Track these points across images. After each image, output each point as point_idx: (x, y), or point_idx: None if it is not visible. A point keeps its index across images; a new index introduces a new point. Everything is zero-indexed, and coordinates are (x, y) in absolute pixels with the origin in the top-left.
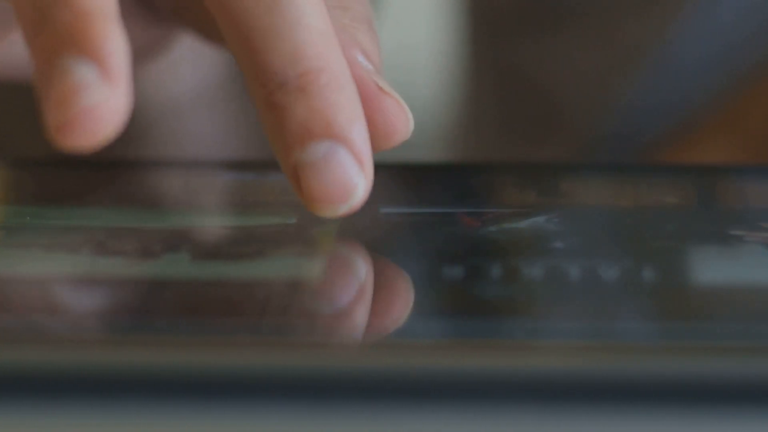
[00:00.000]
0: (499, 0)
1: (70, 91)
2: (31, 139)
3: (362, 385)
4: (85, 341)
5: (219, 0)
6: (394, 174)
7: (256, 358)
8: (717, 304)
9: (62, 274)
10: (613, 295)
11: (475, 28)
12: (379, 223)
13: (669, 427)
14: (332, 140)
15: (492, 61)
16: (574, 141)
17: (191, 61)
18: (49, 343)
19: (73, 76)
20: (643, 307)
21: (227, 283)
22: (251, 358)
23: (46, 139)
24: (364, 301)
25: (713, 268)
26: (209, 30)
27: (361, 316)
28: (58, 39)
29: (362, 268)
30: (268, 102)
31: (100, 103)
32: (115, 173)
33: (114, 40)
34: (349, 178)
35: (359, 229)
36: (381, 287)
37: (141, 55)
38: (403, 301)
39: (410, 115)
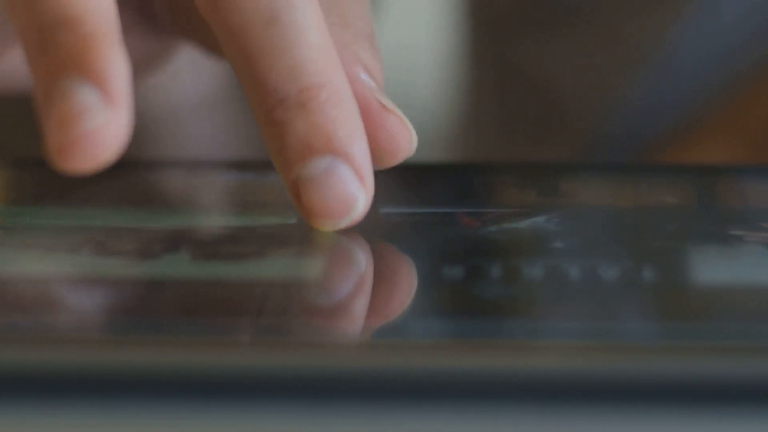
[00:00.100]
0: (500, 0)
1: (72, 114)
2: (31, 139)
3: (362, 385)
4: (85, 341)
5: (218, 14)
6: (394, 174)
7: (256, 358)
8: (717, 304)
9: (62, 274)
10: (613, 295)
11: (475, 28)
12: (379, 223)
13: (669, 427)
14: (333, 155)
15: (492, 61)
16: (575, 141)
17: (191, 71)
18: (49, 343)
19: (74, 99)
20: (643, 307)
21: (227, 283)
22: (251, 358)
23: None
24: (364, 301)
25: (713, 268)
26: (210, 41)
27: (360, 316)
28: (60, 61)
29: (362, 268)
30: (268, 118)
31: (101, 126)
32: (115, 173)
33: (116, 64)
34: (350, 193)
35: (359, 229)
36: (381, 287)
37: (141, 67)
38: (403, 301)
39: (414, 133)
